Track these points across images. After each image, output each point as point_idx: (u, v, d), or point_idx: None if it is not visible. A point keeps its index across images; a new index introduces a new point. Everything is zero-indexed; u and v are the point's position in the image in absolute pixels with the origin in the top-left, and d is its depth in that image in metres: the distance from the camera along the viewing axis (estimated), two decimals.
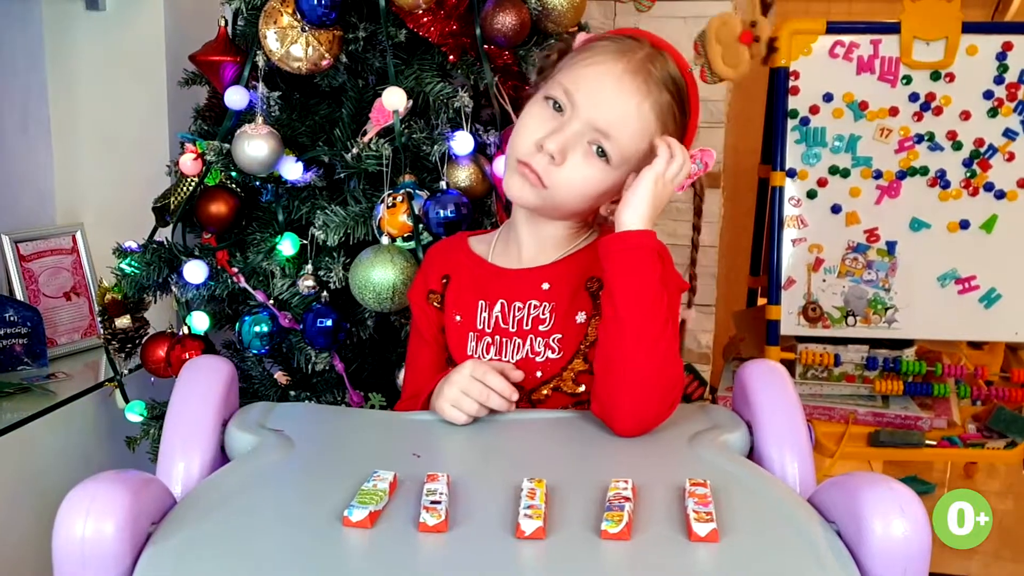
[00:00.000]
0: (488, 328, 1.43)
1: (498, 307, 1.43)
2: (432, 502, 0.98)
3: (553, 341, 1.40)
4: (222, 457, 1.22)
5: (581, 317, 1.39)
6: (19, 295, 2.33)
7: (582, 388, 1.38)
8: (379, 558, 0.91)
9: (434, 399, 1.33)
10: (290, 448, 1.16)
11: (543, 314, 1.40)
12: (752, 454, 1.25)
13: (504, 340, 1.42)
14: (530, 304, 1.41)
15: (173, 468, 1.16)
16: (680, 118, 1.38)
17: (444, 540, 0.94)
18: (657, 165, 1.32)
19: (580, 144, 1.33)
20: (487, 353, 1.42)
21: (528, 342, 1.40)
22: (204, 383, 1.25)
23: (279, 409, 1.31)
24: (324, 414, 1.42)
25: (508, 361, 1.40)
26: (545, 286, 1.40)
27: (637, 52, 1.35)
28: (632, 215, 1.30)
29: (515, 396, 1.32)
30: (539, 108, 1.37)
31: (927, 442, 2.69)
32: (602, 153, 1.33)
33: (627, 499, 0.99)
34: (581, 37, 1.45)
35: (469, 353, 1.44)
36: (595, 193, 1.37)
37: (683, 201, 1.49)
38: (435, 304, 1.51)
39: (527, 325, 1.41)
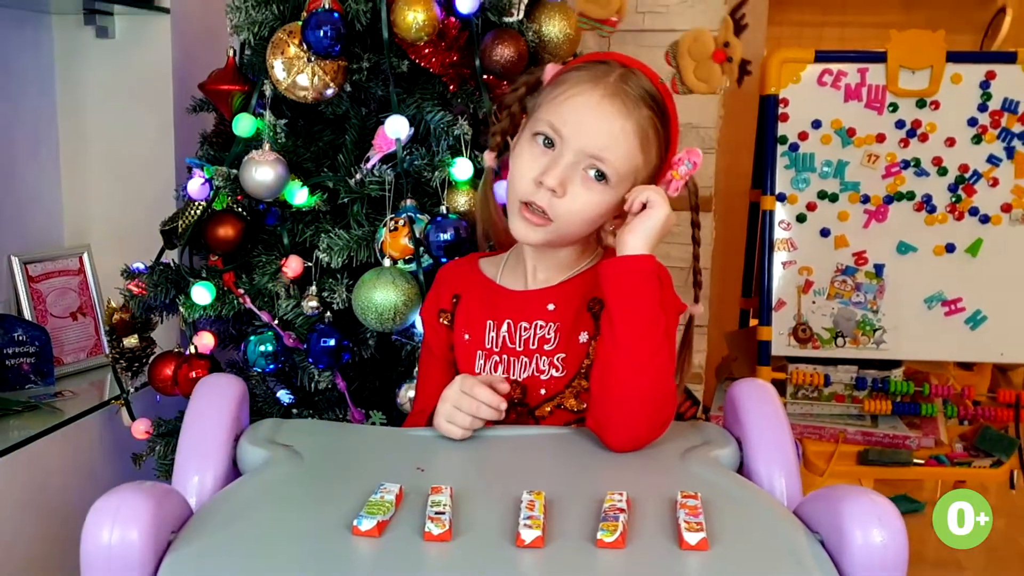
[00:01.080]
0: (496, 347, 1.47)
1: (505, 327, 1.47)
2: (437, 513, 1.02)
3: (557, 360, 1.44)
4: (234, 471, 1.26)
5: (584, 337, 1.43)
6: (27, 315, 2.36)
7: (584, 406, 1.41)
8: (387, 565, 0.96)
9: (434, 417, 1.37)
10: (299, 462, 1.21)
11: (548, 334, 1.44)
12: (742, 468, 1.30)
13: (511, 359, 1.46)
14: (536, 324, 1.45)
15: (188, 481, 1.20)
16: (661, 129, 1.41)
17: (448, 548, 0.98)
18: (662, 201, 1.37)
19: (576, 173, 1.37)
20: (495, 371, 1.46)
21: (534, 361, 1.45)
22: (217, 400, 1.30)
23: (288, 425, 1.35)
24: (331, 430, 1.46)
25: (515, 380, 1.45)
26: (551, 307, 1.44)
27: (609, 75, 1.39)
28: (635, 240, 1.35)
29: (503, 405, 1.36)
30: (529, 147, 1.41)
31: (915, 461, 2.73)
32: (600, 176, 1.37)
33: (622, 510, 1.03)
34: (550, 70, 1.49)
35: (477, 371, 1.48)
36: (598, 215, 1.40)
37: (675, 224, 1.54)
38: (445, 322, 1.55)
39: (533, 345, 1.45)
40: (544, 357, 1.45)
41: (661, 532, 1.03)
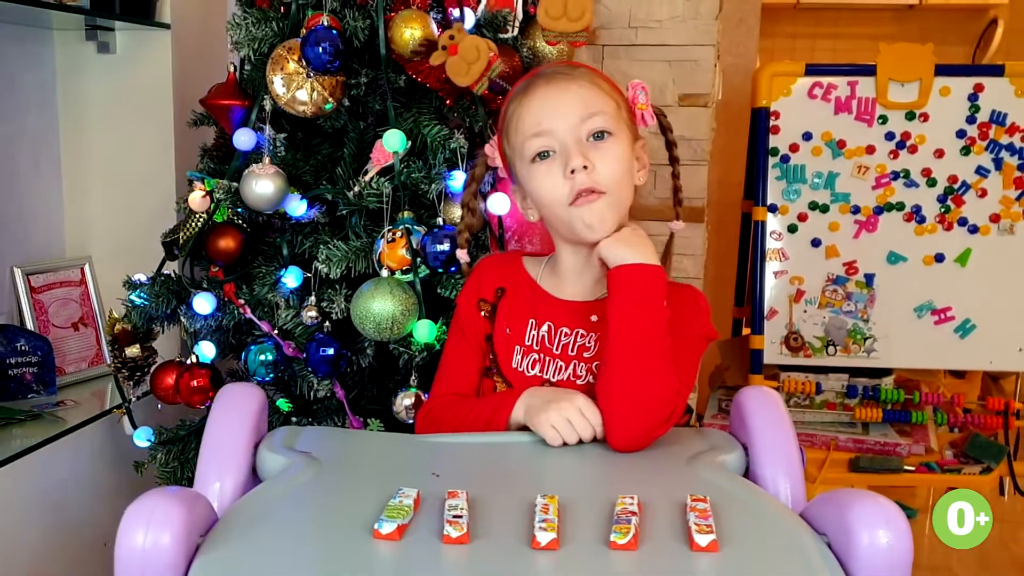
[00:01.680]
0: (535, 345, 1.52)
1: (545, 328, 1.52)
2: (454, 516, 1.04)
3: (595, 367, 1.48)
4: (254, 478, 1.28)
5: None
6: (30, 325, 2.38)
7: None
8: (408, 567, 0.99)
9: (530, 412, 1.40)
10: (319, 468, 1.23)
11: (589, 343, 1.49)
12: (748, 473, 1.33)
13: (548, 359, 1.50)
14: (577, 332, 1.50)
15: (210, 487, 1.22)
16: (606, 81, 1.51)
17: (466, 551, 1.01)
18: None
19: (585, 144, 1.43)
20: (532, 369, 1.51)
21: (571, 366, 1.49)
22: (239, 408, 1.32)
23: (305, 433, 1.38)
24: (347, 437, 1.49)
25: (548, 380, 1.49)
26: (594, 318, 1.48)
27: (533, 78, 1.50)
28: (612, 251, 1.42)
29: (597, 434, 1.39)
30: (536, 168, 1.46)
31: (906, 468, 2.75)
32: (601, 134, 1.44)
33: (633, 513, 1.06)
34: (488, 149, 1.61)
35: (513, 366, 1.53)
36: (629, 166, 1.47)
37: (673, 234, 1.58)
38: (483, 313, 1.58)
39: (572, 351, 1.49)
40: (583, 364, 1.49)
41: (672, 534, 1.05)
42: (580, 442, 1.36)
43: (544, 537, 1.01)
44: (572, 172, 1.41)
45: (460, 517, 1.04)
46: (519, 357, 1.53)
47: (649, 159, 1.57)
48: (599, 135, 1.43)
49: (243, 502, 1.14)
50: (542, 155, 1.45)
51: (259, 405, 1.34)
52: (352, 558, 0.99)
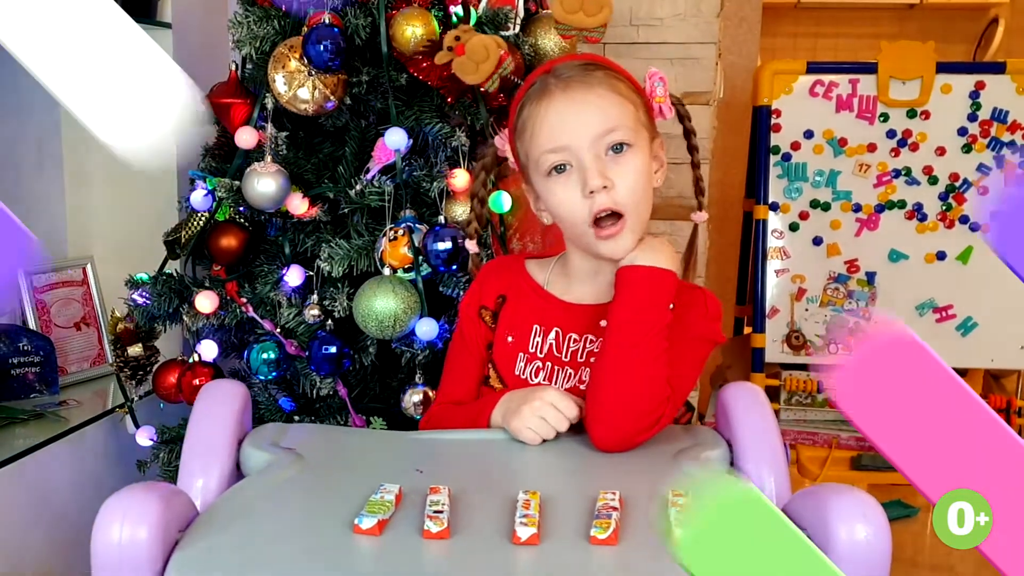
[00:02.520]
0: (540, 353, 1.49)
1: (553, 334, 1.49)
2: (435, 511, 1.05)
3: None
4: (237, 474, 1.29)
5: None
6: (32, 325, 2.39)
7: None
8: (388, 562, 0.99)
9: (506, 416, 1.38)
10: (302, 464, 1.23)
11: (597, 349, 1.44)
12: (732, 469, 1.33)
13: (555, 367, 1.48)
14: (586, 338, 1.47)
15: (193, 483, 1.23)
16: (618, 74, 1.44)
17: (447, 546, 1.01)
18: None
19: (604, 161, 1.38)
20: (535, 377, 1.48)
21: (579, 373, 1.47)
22: (221, 405, 1.33)
23: (290, 429, 1.38)
24: (332, 434, 1.49)
25: (557, 388, 1.45)
26: (603, 323, 1.42)
27: (548, 83, 1.42)
28: (635, 255, 1.39)
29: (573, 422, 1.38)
30: (554, 183, 1.41)
31: None
32: (619, 147, 1.38)
33: (614, 508, 1.07)
34: (499, 142, 1.56)
35: (516, 373, 1.50)
36: (648, 178, 1.42)
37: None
38: (485, 320, 1.56)
39: (581, 357, 1.47)
40: (590, 370, 1.44)
41: (652, 529, 1.06)
42: (559, 434, 1.35)
43: (524, 532, 1.02)
44: (591, 193, 1.37)
45: (441, 512, 1.05)
46: (522, 364, 1.51)
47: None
48: (618, 148, 1.38)
49: (224, 497, 1.15)
50: (558, 168, 1.40)
51: (242, 402, 1.35)
52: (331, 553, 1.00)
